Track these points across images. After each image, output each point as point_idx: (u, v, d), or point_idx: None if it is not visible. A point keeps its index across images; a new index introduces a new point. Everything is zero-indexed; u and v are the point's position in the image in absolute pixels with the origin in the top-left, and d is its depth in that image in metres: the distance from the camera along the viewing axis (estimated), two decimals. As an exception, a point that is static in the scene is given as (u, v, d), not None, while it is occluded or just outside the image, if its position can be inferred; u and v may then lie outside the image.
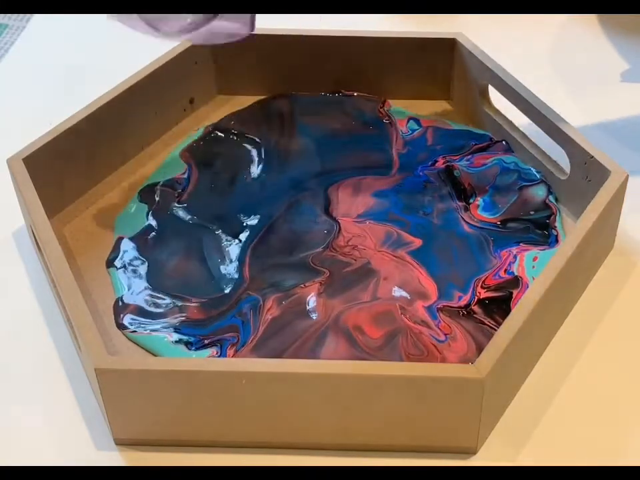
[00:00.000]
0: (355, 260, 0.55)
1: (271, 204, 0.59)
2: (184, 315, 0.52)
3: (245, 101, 0.67)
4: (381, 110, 0.66)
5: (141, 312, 0.52)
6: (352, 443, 0.47)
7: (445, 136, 0.64)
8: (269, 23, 0.67)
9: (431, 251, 0.56)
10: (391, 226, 0.57)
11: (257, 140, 0.64)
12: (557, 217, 0.57)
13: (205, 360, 0.48)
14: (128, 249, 0.56)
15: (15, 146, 0.56)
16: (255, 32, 0.65)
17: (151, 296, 0.53)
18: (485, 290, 0.53)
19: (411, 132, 0.64)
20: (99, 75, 0.68)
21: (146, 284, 0.54)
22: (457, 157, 0.62)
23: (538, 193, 0.59)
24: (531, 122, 0.59)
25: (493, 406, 0.47)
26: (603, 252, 0.56)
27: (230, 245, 0.56)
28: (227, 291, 0.53)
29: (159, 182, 0.61)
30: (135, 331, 0.51)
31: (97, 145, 0.60)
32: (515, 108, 0.60)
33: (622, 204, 0.55)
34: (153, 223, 0.58)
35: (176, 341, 0.51)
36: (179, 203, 0.59)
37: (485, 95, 0.64)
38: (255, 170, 0.62)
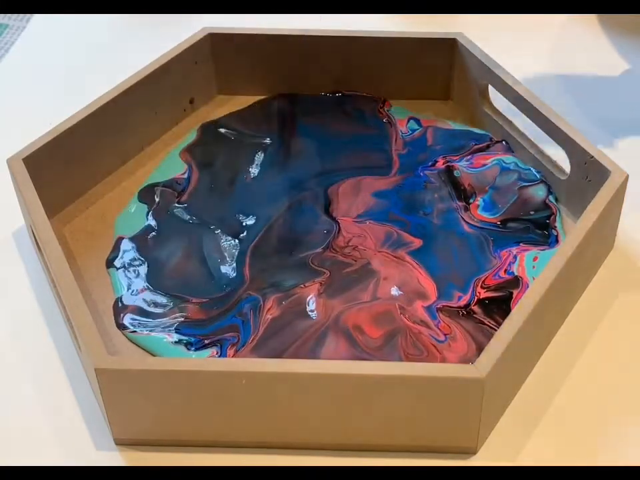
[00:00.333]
0: (355, 261, 0.55)
1: (270, 204, 0.59)
2: (184, 314, 0.52)
3: (245, 101, 0.67)
4: (380, 110, 0.66)
5: (140, 312, 0.52)
6: (352, 442, 0.47)
7: (445, 136, 0.64)
8: (269, 23, 0.67)
9: (431, 251, 0.56)
10: (390, 226, 0.57)
11: (257, 140, 0.64)
12: (557, 217, 0.57)
13: (205, 360, 0.48)
14: (128, 249, 0.56)
15: (15, 146, 0.56)
16: (255, 32, 0.66)
17: (151, 296, 0.53)
18: (485, 290, 0.53)
19: (411, 132, 0.64)
20: (99, 75, 0.69)
21: (146, 284, 0.54)
22: (457, 157, 0.62)
23: (538, 193, 0.59)
24: (531, 122, 0.59)
25: (493, 406, 0.47)
26: (603, 252, 0.56)
27: (230, 244, 0.56)
28: (227, 291, 0.53)
29: (159, 182, 0.61)
30: (134, 331, 0.51)
31: (97, 145, 0.60)
32: (515, 108, 0.60)
33: (622, 204, 0.55)
34: (153, 223, 0.58)
35: (176, 342, 0.51)
36: (178, 203, 0.59)
37: (484, 95, 0.64)
38: (255, 170, 0.62)
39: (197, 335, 0.51)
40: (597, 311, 0.53)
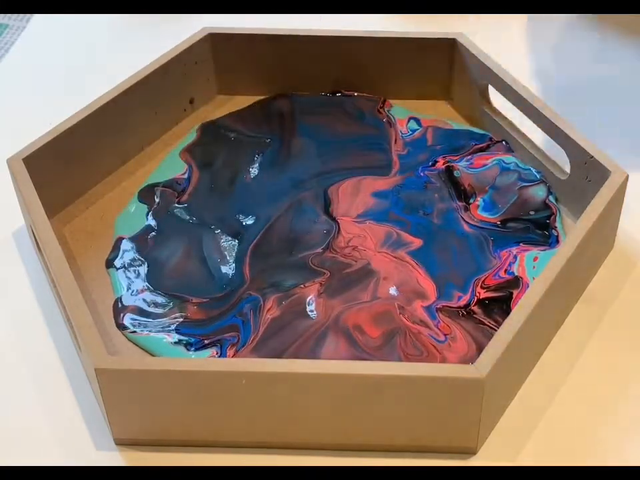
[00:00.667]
0: (356, 261, 0.55)
1: (270, 204, 0.59)
2: (184, 315, 0.52)
3: (245, 101, 0.67)
4: (380, 110, 0.66)
5: (140, 312, 0.52)
6: (352, 442, 0.47)
7: (445, 136, 0.64)
8: (269, 23, 0.67)
9: (431, 251, 0.56)
10: (391, 226, 0.57)
11: (257, 140, 0.64)
12: (557, 217, 0.57)
13: (204, 360, 0.48)
14: (128, 249, 0.56)
15: (15, 146, 0.56)
16: (255, 32, 0.65)
17: (151, 296, 0.53)
18: (485, 290, 0.53)
19: (411, 132, 0.64)
20: (99, 75, 0.69)
21: (146, 284, 0.54)
22: (457, 158, 0.62)
23: (538, 193, 0.59)
24: (531, 122, 0.59)
25: (493, 406, 0.47)
26: (603, 252, 0.56)
27: (230, 245, 0.56)
28: (227, 291, 0.53)
29: (159, 182, 0.61)
30: (134, 332, 0.51)
31: (97, 145, 0.60)
32: (515, 108, 0.60)
33: (622, 204, 0.55)
34: (153, 223, 0.58)
35: (175, 342, 0.51)
36: (178, 203, 0.59)
37: (484, 95, 0.64)
38: (255, 170, 0.62)
39: (196, 335, 0.51)
40: (597, 311, 0.53)
